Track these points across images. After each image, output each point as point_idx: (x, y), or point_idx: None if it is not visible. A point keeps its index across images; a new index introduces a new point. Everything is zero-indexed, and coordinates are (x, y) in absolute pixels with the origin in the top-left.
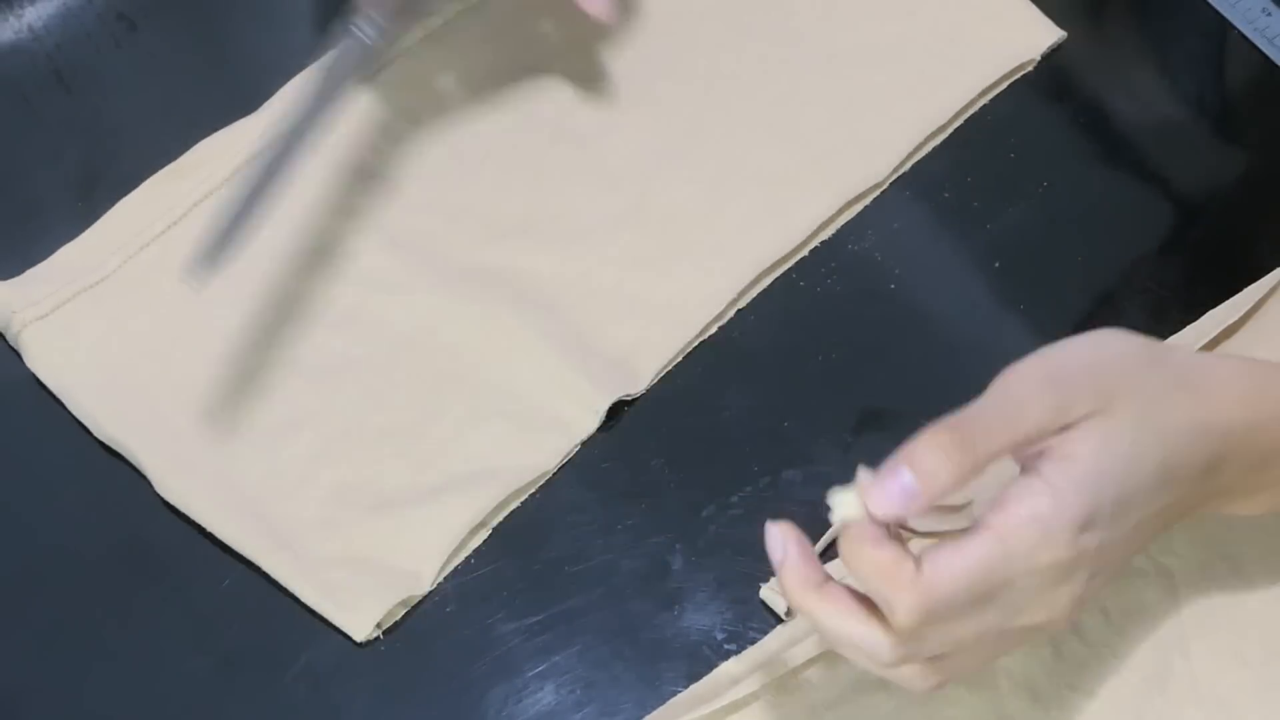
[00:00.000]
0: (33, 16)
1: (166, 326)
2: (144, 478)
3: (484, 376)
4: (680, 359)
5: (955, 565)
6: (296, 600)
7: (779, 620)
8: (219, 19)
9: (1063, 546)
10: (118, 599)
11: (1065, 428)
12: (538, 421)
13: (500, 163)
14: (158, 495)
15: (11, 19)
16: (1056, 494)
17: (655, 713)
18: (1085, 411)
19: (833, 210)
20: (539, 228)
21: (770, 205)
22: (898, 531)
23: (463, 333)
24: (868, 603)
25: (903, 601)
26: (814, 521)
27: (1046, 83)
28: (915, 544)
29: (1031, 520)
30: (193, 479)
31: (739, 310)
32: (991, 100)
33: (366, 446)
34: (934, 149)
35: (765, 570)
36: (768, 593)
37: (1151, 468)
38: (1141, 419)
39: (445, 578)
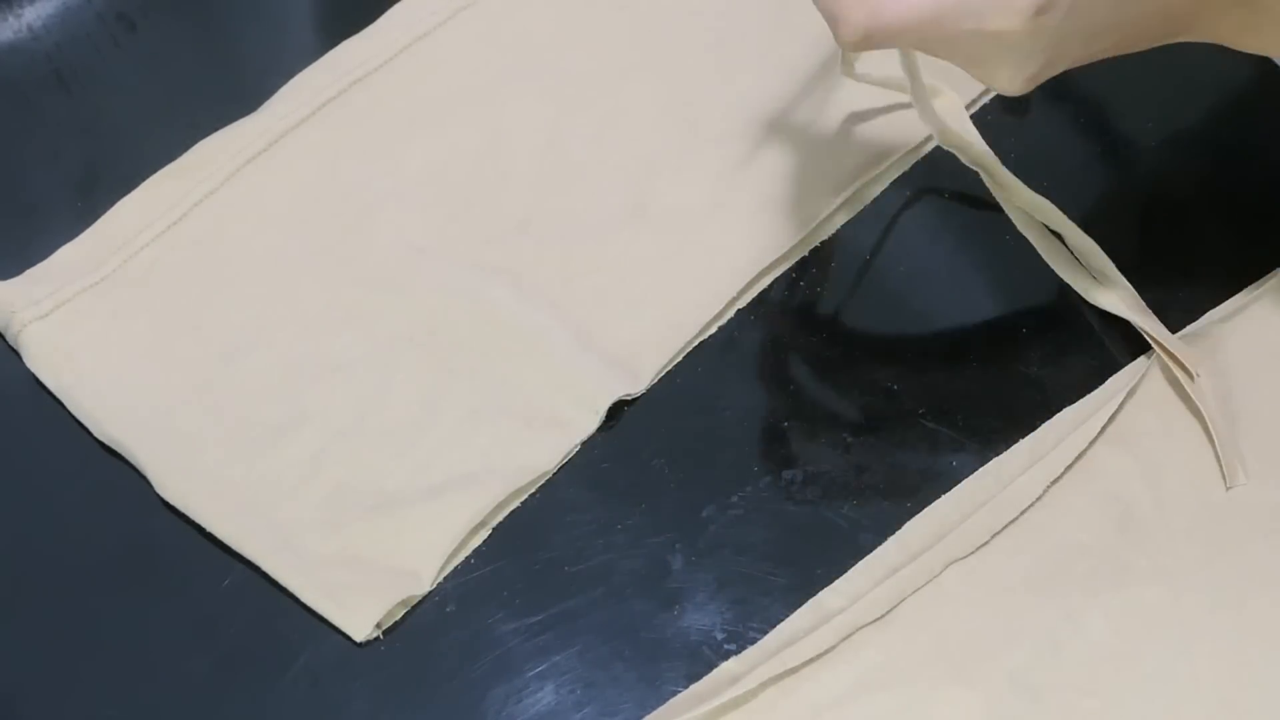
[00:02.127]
0: (32, 16)
1: (166, 326)
2: (144, 478)
3: (484, 376)
4: (680, 359)
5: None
6: (296, 600)
7: (779, 620)
8: (219, 19)
9: (1017, 17)
10: (118, 599)
11: None
12: (538, 421)
13: (500, 163)
14: (158, 495)
15: (11, 19)
16: None
17: (655, 713)
18: None
19: (832, 207)
20: (539, 228)
21: (770, 204)
22: None
23: (463, 333)
24: None
25: (846, 23)
26: (814, 521)
27: (1046, 83)
28: None
29: None
30: (193, 479)
31: (739, 310)
32: (991, 100)
33: (366, 446)
34: (934, 149)
35: (765, 570)
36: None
37: None
38: None
39: (445, 578)
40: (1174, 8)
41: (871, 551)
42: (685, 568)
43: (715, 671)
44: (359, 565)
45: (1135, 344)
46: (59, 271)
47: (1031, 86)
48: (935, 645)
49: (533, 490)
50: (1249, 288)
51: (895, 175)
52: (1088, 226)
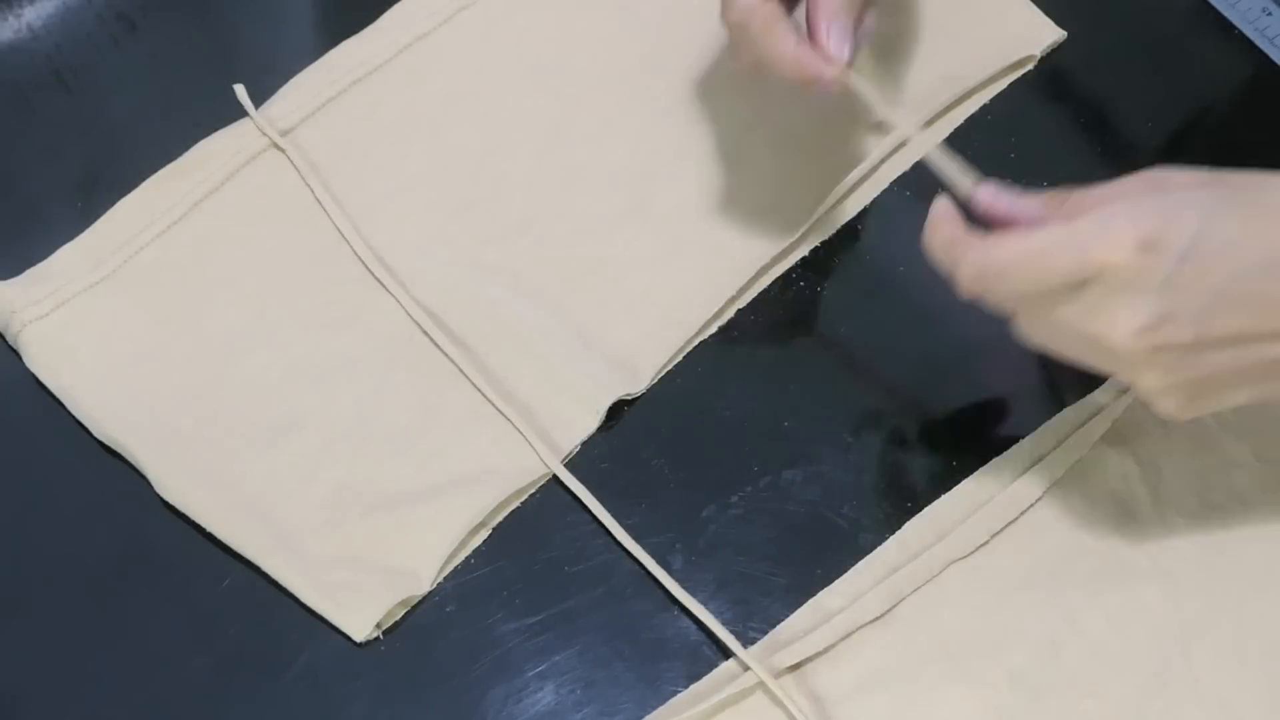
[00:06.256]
0: (32, 16)
1: (166, 326)
2: (144, 478)
3: (484, 376)
4: (680, 359)
5: (1014, 239)
6: (296, 600)
7: (779, 620)
8: (219, 19)
9: (1119, 249)
10: (118, 599)
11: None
12: (538, 421)
13: (500, 163)
14: (158, 495)
15: (11, 19)
16: (1128, 197)
17: (655, 713)
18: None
19: (830, 203)
20: (539, 228)
21: (769, 203)
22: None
23: (463, 333)
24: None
25: (963, 264)
26: (814, 521)
27: (1046, 83)
28: None
29: (1096, 209)
30: (193, 479)
31: (739, 310)
32: (991, 100)
33: (366, 446)
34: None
35: (765, 570)
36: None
37: (1235, 234)
38: (1245, 199)
39: (445, 578)
40: None
41: (871, 551)
42: (685, 568)
43: (715, 671)
44: (359, 565)
45: None
46: (59, 271)
47: (1189, 408)
48: (935, 645)
49: (533, 490)
50: None
51: (894, 177)
52: None
